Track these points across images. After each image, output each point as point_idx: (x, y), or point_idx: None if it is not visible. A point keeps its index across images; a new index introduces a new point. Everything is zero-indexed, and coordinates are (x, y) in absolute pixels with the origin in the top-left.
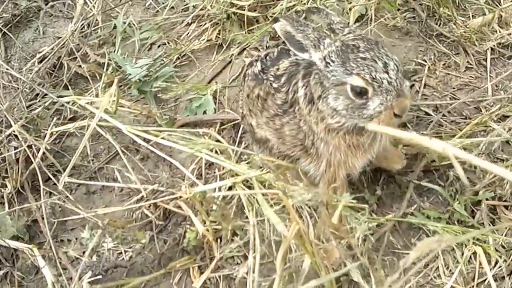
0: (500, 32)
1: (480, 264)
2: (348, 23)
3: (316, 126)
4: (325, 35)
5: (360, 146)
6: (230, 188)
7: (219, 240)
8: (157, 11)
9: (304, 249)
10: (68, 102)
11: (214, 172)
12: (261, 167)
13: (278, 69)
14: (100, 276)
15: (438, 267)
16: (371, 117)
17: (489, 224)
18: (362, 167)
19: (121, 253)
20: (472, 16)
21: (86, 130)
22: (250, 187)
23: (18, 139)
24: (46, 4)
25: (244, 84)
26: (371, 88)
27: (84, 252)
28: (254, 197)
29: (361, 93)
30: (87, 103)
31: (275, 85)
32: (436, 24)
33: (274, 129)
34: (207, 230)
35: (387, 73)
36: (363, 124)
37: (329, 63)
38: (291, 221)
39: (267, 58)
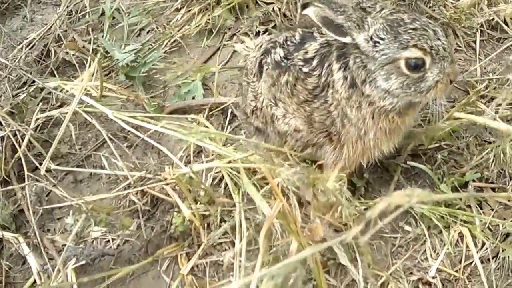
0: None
1: (467, 246)
2: None
3: (358, 111)
4: (365, 12)
5: (402, 127)
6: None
7: (206, 226)
8: None
9: (289, 229)
10: (55, 88)
11: (202, 160)
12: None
13: (306, 52)
14: (84, 262)
15: (425, 250)
16: (429, 89)
17: (476, 206)
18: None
19: (108, 241)
20: None
21: (69, 117)
22: (237, 173)
23: (1, 125)
24: None
25: (259, 75)
26: (429, 58)
27: (78, 239)
28: (240, 181)
29: (416, 66)
30: (73, 88)
31: (305, 69)
32: (426, 6)
33: (304, 116)
34: (194, 215)
35: (439, 39)
36: (419, 99)
37: (377, 42)
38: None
39: (288, 43)
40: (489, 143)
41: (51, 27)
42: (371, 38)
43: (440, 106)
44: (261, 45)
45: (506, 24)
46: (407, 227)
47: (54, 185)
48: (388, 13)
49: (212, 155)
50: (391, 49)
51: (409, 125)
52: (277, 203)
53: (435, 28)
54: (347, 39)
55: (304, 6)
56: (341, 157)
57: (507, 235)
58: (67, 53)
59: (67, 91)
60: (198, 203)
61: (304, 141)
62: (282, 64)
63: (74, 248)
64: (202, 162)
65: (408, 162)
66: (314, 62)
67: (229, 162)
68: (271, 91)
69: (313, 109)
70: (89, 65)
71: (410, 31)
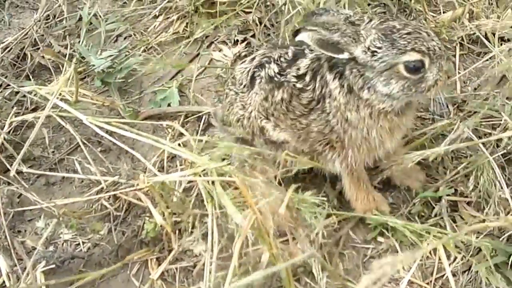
0: (471, 29)
1: (439, 259)
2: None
3: (357, 113)
4: (357, 27)
5: (400, 126)
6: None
7: (178, 232)
8: (125, 2)
9: (261, 241)
10: (29, 92)
11: (176, 165)
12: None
13: (299, 69)
14: (53, 266)
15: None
16: (429, 88)
17: (449, 220)
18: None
19: (78, 244)
20: (443, 11)
21: (41, 121)
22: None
23: None
24: None
25: (251, 87)
26: (427, 59)
27: (48, 243)
28: (214, 190)
29: (416, 68)
30: (48, 93)
31: (299, 85)
32: (407, 19)
33: (299, 129)
34: (166, 221)
35: (433, 40)
36: (420, 98)
37: (375, 51)
38: (250, 211)
39: (281, 59)
40: (465, 157)
41: (28, 31)
42: (369, 48)
43: (440, 101)
44: (254, 57)
45: (487, 39)
46: (379, 238)
47: (25, 189)
48: (377, 23)
49: (185, 161)
50: (390, 55)
51: (408, 125)
52: (250, 215)
53: (427, 30)
54: (344, 55)
55: (296, 33)
56: (347, 160)
57: (480, 249)
58: (43, 57)
59: (41, 95)
60: (170, 209)
61: (292, 151)
62: (276, 79)
63: (44, 251)
64: (177, 167)
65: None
66: (307, 78)
67: (203, 171)
68: (263, 105)
69: (311, 121)
70: (65, 70)
71: (405, 36)
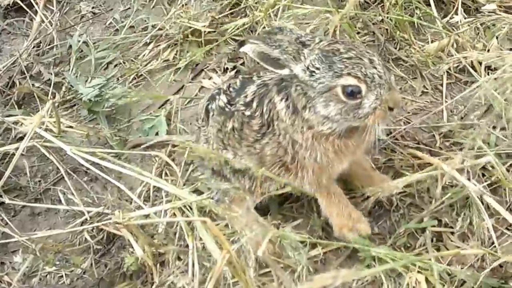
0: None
1: None
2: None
3: (302, 134)
4: (304, 46)
5: (347, 149)
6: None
7: (161, 264)
8: (117, 29)
9: (238, 278)
10: (15, 123)
11: (162, 197)
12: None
13: (246, 96)
14: None
15: None
16: (366, 115)
17: (433, 251)
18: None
19: (61, 276)
20: (431, 40)
21: (20, 152)
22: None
23: None
24: (3, 21)
25: (207, 120)
26: (364, 85)
27: (25, 278)
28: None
29: (353, 93)
30: (32, 123)
31: (247, 112)
32: (395, 48)
33: (255, 154)
34: (147, 255)
35: (375, 68)
36: (358, 124)
37: (313, 72)
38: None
39: (230, 89)
40: (451, 186)
41: (15, 60)
42: (308, 68)
43: (380, 132)
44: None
45: (474, 68)
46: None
47: (6, 221)
48: (326, 44)
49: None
50: (327, 77)
51: (356, 147)
52: (223, 253)
53: (372, 57)
54: (285, 71)
55: (241, 44)
56: (303, 182)
57: (464, 281)
58: (33, 85)
59: (26, 125)
60: (155, 240)
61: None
62: (226, 109)
63: (21, 286)
64: (162, 198)
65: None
66: (254, 104)
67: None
68: (219, 136)
69: (263, 145)
70: (52, 100)
71: (344, 60)
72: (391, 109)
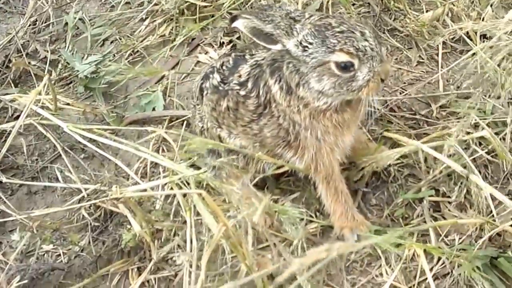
0: (452, 26)
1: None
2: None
3: (299, 114)
4: (294, 21)
5: (345, 122)
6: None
7: (159, 241)
8: (113, 6)
9: (235, 251)
10: (12, 101)
11: (159, 172)
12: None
13: (240, 76)
14: (26, 281)
15: (380, 265)
16: (360, 88)
17: (431, 221)
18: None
19: (59, 255)
20: (426, 10)
21: (16, 130)
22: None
23: None
24: None
25: (202, 99)
26: (356, 60)
27: (23, 257)
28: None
29: (346, 67)
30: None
31: (242, 92)
32: (390, 18)
33: (252, 134)
34: (145, 231)
35: (367, 40)
36: (352, 97)
37: (306, 47)
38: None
39: (223, 67)
40: (449, 156)
41: (11, 38)
42: (300, 43)
43: (373, 103)
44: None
45: (469, 37)
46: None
47: (3, 199)
48: (317, 19)
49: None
50: (320, 52)
51: (353, 120)
52: (220, 225)
53: (363, 30)
54: (278, 47)
55: (233, 19)
56: (302, 161)
57: (463, 250)
58: (29, 63)
59: (22, 102)
60: (152, 216)
61: (252, 156)
62: (220, 88)
63: (18, 265)
64: (159, 174)
65: (364, 189)
66: (249, 84)
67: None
68: (213, 115)
69: (262, 126)
70: (50, 76)
71: (337, 34)
72: (382, 80)
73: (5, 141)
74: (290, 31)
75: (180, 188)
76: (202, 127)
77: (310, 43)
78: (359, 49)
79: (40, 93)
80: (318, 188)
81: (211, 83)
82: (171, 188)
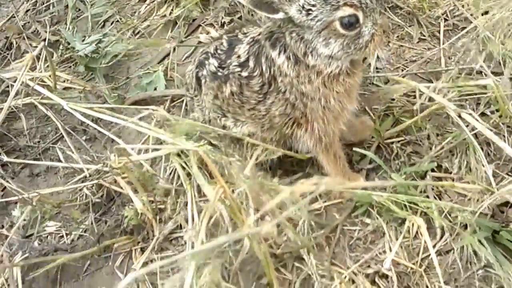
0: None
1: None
2: None
3: (311, 85)
4: None
5: (355, 85)
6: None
7: (162, 219)
8: None
9: (234, 218)
10: (10, 78)
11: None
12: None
13: (239, 56)
14: (27, 255)
15: (384, 242)
16: (367, 43)
17: (434, 196)
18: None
19: (62, 236)
20: None
21: (7, 107)
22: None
23: None
24: None
25: (200, 89)
26: (361, 12)
27: (24, 233)
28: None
29: (351, 24)
30: (30, 79)
31: (244, 73)
32: None
33: (260, 117)
34: (147, 208)
35: None
36: (359, 56)
37: (310, 10)
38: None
39: (218, 51)
40: (451, 132)
41: (12, 18)
42: (303, 7)
43: (381, 56)
44: (195, 58)
45: (472, 15)
46: (366, 220)
47: (6, 180)
48: None
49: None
50: (324, 13)
51: (360, 81)
52: (217, 188)
53: None
54: (280, 15)
55: None
56: (317, 135)
57: (466, 226)
58: (31, 45)
59: (23, 82)
60: (154, 193)
61: (262, 141)
62: (219, 74)
63: (20, 241)
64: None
65: (354, 149)
66: (251, 63)
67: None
68: (216, 103)
69: (269, 105)
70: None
71: None
72: (385, 32)
73: (6, 122)
74: None
75: (183, 168)
76: (204, 119)
77: (313, 5)
78: (362, 2)
79: (38, 71)
80: (318, 155)
81: (208, 70)
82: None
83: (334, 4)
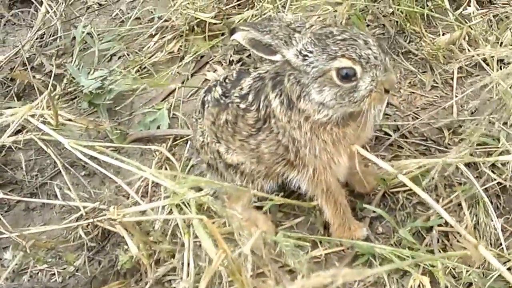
0: (469, 51)
1: None
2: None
3: (300, 130)
4: (294, 31)
5: (346, 137)
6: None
7: (156, 262)
8: (123, 21)
9: (233, 278)
10: (13, 115)
11: (161, 192)
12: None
13: (241, 88)
14: None
15: None
16: (363, 98)
17: (439, 251)
18: (347, 167)
19: (54, 274)
20: (442, 33)
21: (21, 144)
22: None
23: None
24: (8, 12)
25: (203, 112)
26: (359, 67)
27: (15, 276)
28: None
29: (348, 76)
30: (32, 115)
31: (242, 105)
32: (405, 41)
33: (249, 150)
34: (142, 253)
35: (370, 49)
36: (354, 109)
37: (306, 56)
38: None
39: (226, 81)
40: (460, 184)
41: (18, 50)
42: (300, 52)
43: (378, 113)
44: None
45: (486, 63)
46: (367, 271)
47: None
48: (318, 28)
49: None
50: (320, 61)
51: (356, 136)
52: (219, 252)
53: (367, 38)
54: (277, 57)
55: (232, 32)
56: (306, 178)
57: (470, 284)
58: (34, 77)
59: (25, 118)
60: (151, 237)
61: (250, 173)
62: (221, 101)
63: (8, 284)
64: (160, 194)
65: (364, 205)
66: (250, 97)
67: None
68: (212, 128)
69: (260, 141)
70: (51, 90)
71: (338, 42)
72: (387, 91)
73: (5, 155)
74: (289, 41)
75: (181, 209)
76: (203, 141)
77: (310, 52)
78: (362, 56)
79: (40, 108)
80: (318, 199)
81: (212, 96)
82: (171, 210)
83: (331, 54)
